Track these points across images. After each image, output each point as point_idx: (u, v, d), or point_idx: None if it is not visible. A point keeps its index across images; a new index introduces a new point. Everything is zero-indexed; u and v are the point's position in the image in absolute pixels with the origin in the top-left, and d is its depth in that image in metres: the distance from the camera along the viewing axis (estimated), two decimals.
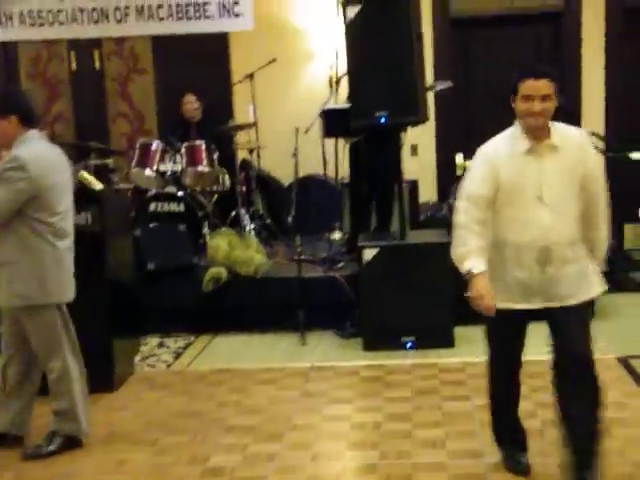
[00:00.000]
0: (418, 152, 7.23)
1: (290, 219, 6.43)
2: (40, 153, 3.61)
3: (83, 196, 4.75)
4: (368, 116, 4.99)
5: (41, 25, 6.93)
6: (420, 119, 5.05)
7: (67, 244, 3.72)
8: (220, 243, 5.74)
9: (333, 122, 5.79)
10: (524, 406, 3.44)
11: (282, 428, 3.97)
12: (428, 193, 7.12)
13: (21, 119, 3.60)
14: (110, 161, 6.40)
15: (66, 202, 3.72)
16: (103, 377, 4.52)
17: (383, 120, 4.92)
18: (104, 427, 4.10)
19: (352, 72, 5.21)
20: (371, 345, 5.11)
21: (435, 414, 4.05)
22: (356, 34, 5.05)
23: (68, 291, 3.75)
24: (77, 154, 7.10)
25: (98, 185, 4.78)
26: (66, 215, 3.71)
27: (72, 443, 3.82)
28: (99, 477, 3.58)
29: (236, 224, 6.47)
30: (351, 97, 5.28)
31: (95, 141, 6.59)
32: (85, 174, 4.80)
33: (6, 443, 3.85)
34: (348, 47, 5.15)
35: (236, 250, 5.68)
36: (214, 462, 3.64)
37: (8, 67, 7.29)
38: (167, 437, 3.96)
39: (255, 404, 4.34)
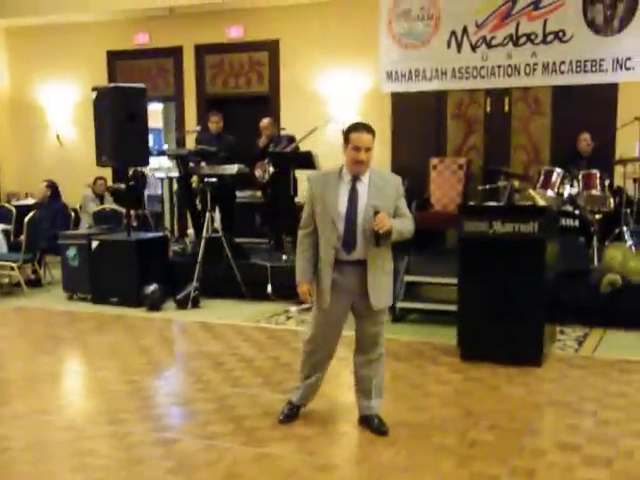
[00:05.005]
0: None
1: None
2: None
3: (530, 209, 6.33)
4: None
5: (467, 78, 8.97)
6: None
7: None
8: (616, 254, 6.95)
9: None
10: None
11: None
12: None
13: None
14: (516, 182, 8.03)
15: None
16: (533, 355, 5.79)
17: None
18: (541, 395, 5.02)
19: None
20: None
21: None
22: None
23: None
24: (486, 176, 8.98)
25: (542, 201, 6.43)
26: None
27: None
28: None
29: (617, 239, 7.66)
30: None
31: (498, 167, 8.26)
32: (532, 192, 6.50)
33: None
34: None
35: (630, 261, 6.89)
36: None
37: (438, 110, 9.46)
38: (605, 411, 4.71)
39: None
